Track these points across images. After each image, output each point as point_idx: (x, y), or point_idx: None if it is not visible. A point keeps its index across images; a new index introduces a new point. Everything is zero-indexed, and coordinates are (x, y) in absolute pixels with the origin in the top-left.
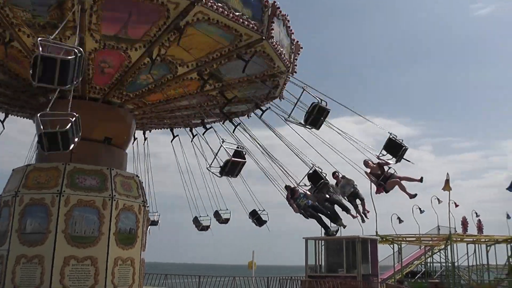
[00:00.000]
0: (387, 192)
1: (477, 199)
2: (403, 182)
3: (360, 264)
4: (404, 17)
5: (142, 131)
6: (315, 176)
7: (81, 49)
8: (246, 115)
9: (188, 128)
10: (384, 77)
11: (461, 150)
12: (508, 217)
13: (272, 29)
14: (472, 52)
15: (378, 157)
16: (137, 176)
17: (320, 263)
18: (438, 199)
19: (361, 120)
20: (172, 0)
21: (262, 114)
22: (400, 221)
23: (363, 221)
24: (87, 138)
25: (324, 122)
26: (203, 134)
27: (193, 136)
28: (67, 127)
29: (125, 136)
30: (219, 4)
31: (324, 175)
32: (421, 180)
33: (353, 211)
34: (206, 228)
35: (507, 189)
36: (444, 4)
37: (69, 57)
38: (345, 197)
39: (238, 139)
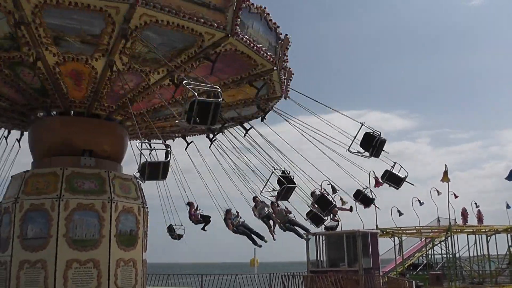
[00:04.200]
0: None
1: (477, 189)
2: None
3: (361, 257)
4: (396, 9)
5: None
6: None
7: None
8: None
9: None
10: (379, 69)
11: (459, 141)
12: (507, 206)
13: (237, 24)
14: (466, 43)
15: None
16: (135, 177)
17: (321, 258)
18: (437, 191)
19: (357, 114)
20: (264, 63)
21: (245, 134)
22: (400, 214)
23: (274, 239)
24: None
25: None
26: (185, 149)
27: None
28: (169, 158)
29: (116, 149)
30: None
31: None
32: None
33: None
34: (180, 237)
35: (506, 178)
36: None
37: (219, 100)
38: (260, 218)
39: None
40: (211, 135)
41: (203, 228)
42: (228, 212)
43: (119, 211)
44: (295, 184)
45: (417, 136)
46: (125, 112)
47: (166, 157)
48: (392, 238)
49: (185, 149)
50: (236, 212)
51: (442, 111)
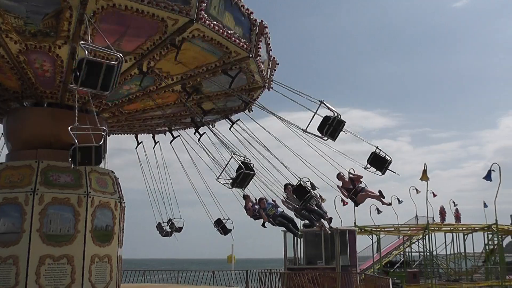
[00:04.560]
0: (357, 205)
1: (456, 188)
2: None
3: (338, 255)
4: (379, 9)
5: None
6: (300, 190)
7: (122, 56)
8: (212, 124)
9: (151, 135)
10: (361, 68)
11: (439, 140)
12: (485, 205)
13: (260, 47)
14: (449, 44)
15: (364, 168)
16: (112, 172)
17: (299, 256)
18: (416, 189)
19: (339, 111)
20: (172, 17)
21: (231, 127)
22: (379, 211)
23: (326, 230)
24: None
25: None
26: (170, 142)
27: (155, 143)
28: (101, 142)
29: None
30: (214, 22)
31: (252, 165)
32: (389, 204)
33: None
34: (227, 231)
35: (484, 178)
36: None
37: (114, 63)
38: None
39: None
40: (200, 130)
41: (263, 225)
42: (260, 201)
43: (95, 206)
44: (254, 172)
45: (398, 135)
46: (116, 110)
47: (99, 140)
48: (370, 236)
49: (170, 143)
50: (273, 201)
51: (423, 110)
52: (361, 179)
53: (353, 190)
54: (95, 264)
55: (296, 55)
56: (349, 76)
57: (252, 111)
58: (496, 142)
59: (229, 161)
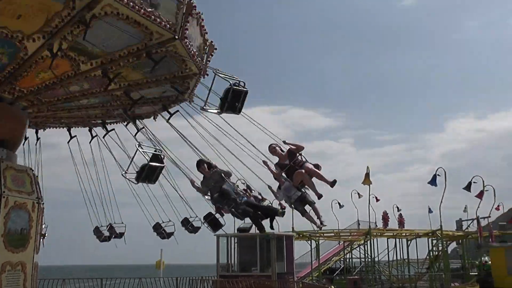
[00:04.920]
0: (299, 189)
1: (400, 193)
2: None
3: (274, 262)
4: (325, 5)
5: (34, 130)
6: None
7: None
8: (152, 117)
9: (87, 128)
10: (304, 66)
11: (383, 142)
12: (430, 211)
13: (187, 28)
14: (396, 43)
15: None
16: (31, 169)
17: (232, 262)
18: (358, 193)
19: (278, 110)
20: None
21: (169, 118)
22: None
23: (321, 225)
24: None
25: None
26: (103, 136)
27: (92, 138)
28: (165, 164)
29: (17, 136)
30: None
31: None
32: (333, 183)
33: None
34: (108, 239)
35: (429, 183)
36: None
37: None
38: (291, 204)
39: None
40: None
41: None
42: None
43: (9, 207)
44: (163, 164)
45: (341, 136)
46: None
47: (162, 162)
48: (309, 242)
49: (68, 142)
50: (244, 190)
51: (368, 111)
52: (301, 151)
53: (287, 166)
54: (6, 272)
55: (235, 48)
56: (290, 73)
57: (193, 101)
58: (442, 146)
59: (135, 154)
